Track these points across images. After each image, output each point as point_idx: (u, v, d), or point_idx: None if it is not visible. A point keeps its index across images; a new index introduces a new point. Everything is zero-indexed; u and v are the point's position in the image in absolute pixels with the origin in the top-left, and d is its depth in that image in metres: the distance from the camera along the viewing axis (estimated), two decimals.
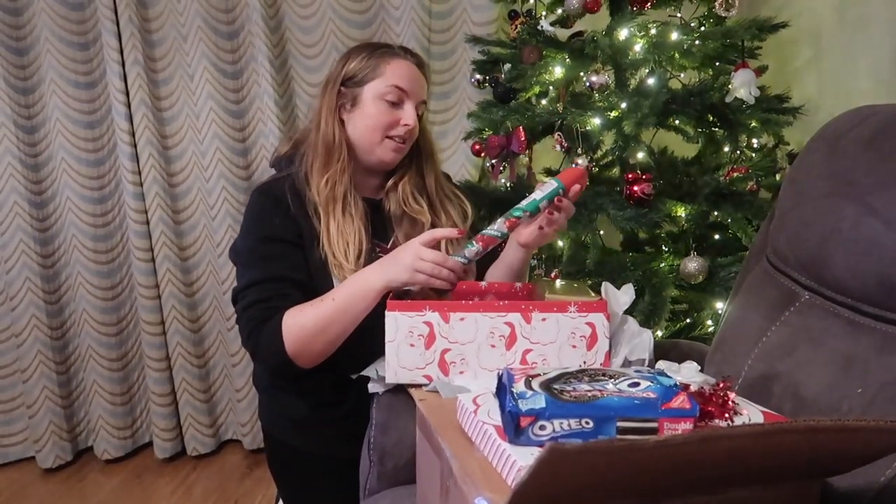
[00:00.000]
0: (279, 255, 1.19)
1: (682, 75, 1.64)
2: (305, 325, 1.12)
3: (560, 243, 1.64)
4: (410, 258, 1.08)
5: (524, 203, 1.13)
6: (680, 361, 1.00)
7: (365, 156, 1.28)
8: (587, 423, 0.69)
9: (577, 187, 1.13)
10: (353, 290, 1.12)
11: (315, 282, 1.20)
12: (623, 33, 1.55)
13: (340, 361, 1.18)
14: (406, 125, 1.25)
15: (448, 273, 1.09)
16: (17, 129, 2.14)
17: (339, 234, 1.21)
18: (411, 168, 1.34)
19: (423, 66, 1.31)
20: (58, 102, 2.16)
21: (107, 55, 2.11)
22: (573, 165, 1.14)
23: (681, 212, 1.52)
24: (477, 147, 1.93)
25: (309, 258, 1.21)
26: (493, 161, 1.70)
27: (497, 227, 1.13)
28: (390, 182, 1.32)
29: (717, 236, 1.64)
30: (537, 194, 1.13)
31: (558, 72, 1.59)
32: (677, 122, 1.56)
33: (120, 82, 2.12)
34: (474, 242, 1.12)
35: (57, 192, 2.23)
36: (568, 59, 1.59)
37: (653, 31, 1.54)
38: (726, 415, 0.77)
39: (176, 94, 2.19)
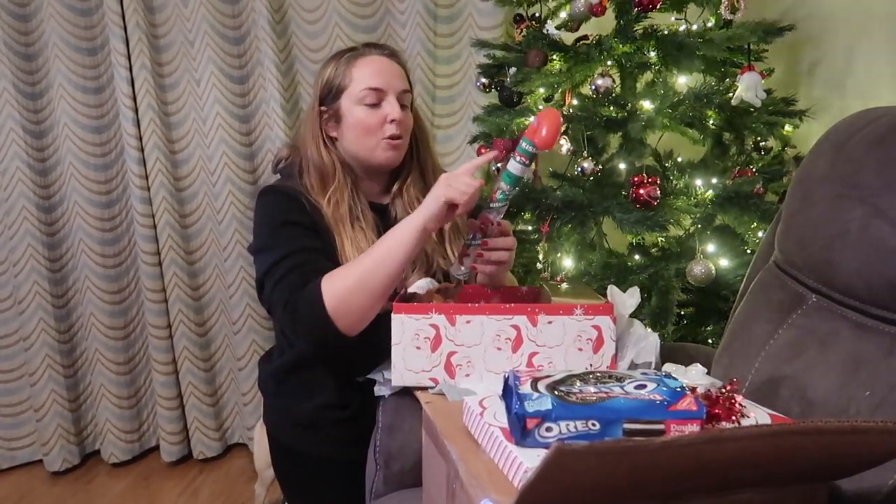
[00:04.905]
0: (303, 234, 1.18)
1: (688, 78, 1.63)
2: (346, 278, 1.08)
3: (566, 246, 1.64)
4: (443, 180, 1.07)
5: (502, 188, 1.09)
6: (686, 364, 1.00)
7: (366, 162, 1.27)
8: (593, 424, 0.69)
9: (546, 135, 1.03)
10: (391, 236, 1.10)
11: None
12: (628, 37, 1.55)
13: (346, 364, 1.18)
14: (393, 120, 1.23)
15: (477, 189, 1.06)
16: (26, 133, 2.15)
17: (354, 249, 1.20)
18: (415, 169, 1.33)
19: (394, 54, 1.29)
20: (66, 107, 2.17)
21: (114, 60, 2.12)
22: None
23: (687, 215, 1.51)
24: (483, 150, 1.94)
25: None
26: (499, 165, 1.70)
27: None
28: (395, 187, 1.32)
29: (723, 239, 1.63)
30: (510, 164, 1.07)
31: (564, 75, 1.59)
32: (683, 124, 1.56)
33: (127, 87, 2.13)
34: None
35: (65, 196, 2.24)
36: (573, 63, 1.59)
37: (658, 35, 1.54)
38: (733, 417, 0.77)
39: (183, 99, 2.20)
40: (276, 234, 1.18)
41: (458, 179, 1.06)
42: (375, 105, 1.23)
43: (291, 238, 1.17)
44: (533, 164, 1.08)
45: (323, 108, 1.26)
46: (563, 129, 1.16)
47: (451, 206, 1.07)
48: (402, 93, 1.25)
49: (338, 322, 1.07)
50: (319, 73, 1.29)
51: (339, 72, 1.24)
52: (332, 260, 1.18)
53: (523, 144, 1.05)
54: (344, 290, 1.07)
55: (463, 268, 1.14)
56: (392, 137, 1.24)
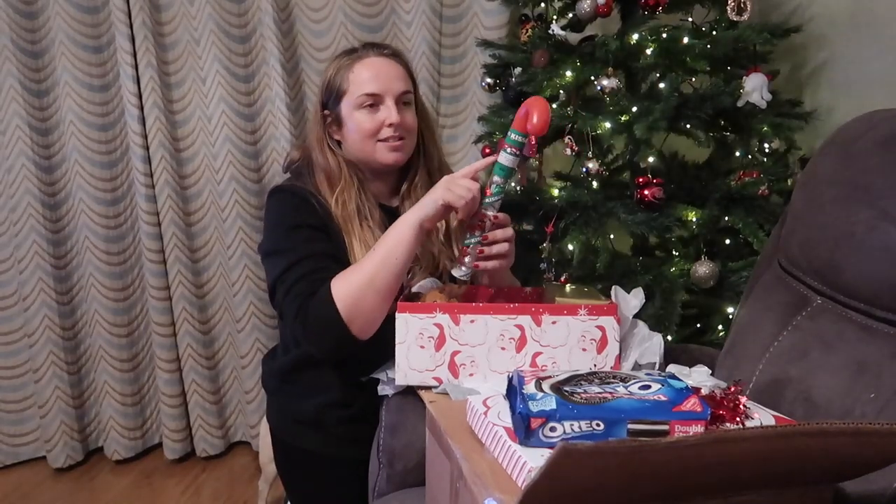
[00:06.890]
0: (313, 237, 1.19)
1: (694, 79, 1.63)
2: (353, 281, 1.09)
3: (570, 247, 1.64)
4: (443, 182, 1.10)
5: (496, 181, 1.11)
6: (690, 366, 1.00)
7: (370, 164, 1.28)
8: (598, 424, 0.69)
9: (537, 122, 1.04)
10: (390, 236, 1.12)
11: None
12: (634, 37, 1.55)
13: (350, 363, 1.18)
14: (390, 125, 1.23)
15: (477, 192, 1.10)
16: (32, 131, 2.16)
17: (363, 247, 1.20)
18: (422, 168, 1.32)
19: (395, 54, 1.28)
20: (72, 105, 2.18)
21: (120, 58, 2.12)
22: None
23: (691, 216, 1.51)
24: (487, 150, 1.94)
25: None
26: None
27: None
28: (404, 188, 1.32)
29: (727, 241, 1.63)
30: (501, 156, 1.10)
31: (569, 76, 1.58)
32: (688, 126, 1.56)
33: (133, 85, 2.13)
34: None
35: (70, 193, 2.25)
36: (578, 63, 1.59)
37: (664, 35, 1.54)
38: (738, 418, 0.77)
39: (188, 98, 2.20)
40: (287, 238, 1.19)
41: (457, 184, 1.09)
42: (373, 109, 1.23)
43: (301, 242, 1.18)
44: (521, 153, 1.09)
45: (326, 111, 1.28)
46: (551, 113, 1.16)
47: (448, 208, 1.10)
48: (401, 94, 1.25)
49: (351, 325, 1.09)
50: (323, 74, 1.30)
51: (337, 79, 1.25)
52: (343, 261, 1.18)
53: (512, 135, 1.08)
54: (354, 291, 1.09)
55: (464, 268, 1.14)
56: (393, 140, 1.24)
